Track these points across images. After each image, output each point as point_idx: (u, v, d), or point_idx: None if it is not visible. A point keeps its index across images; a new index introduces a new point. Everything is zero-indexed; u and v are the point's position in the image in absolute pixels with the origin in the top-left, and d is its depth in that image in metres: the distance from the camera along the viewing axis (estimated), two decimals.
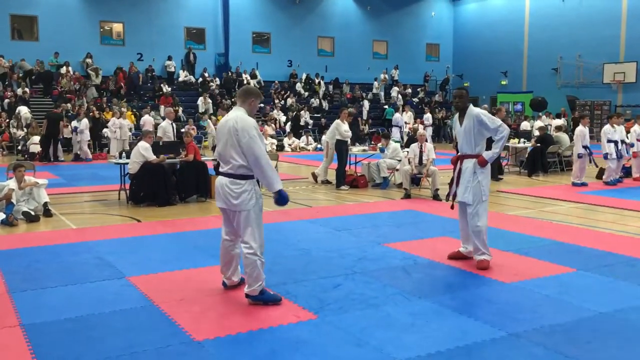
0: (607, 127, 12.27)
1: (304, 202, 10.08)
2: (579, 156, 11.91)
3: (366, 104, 27.78)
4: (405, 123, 23.39)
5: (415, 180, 11.27)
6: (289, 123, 24.67)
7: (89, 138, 18.39)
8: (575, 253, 6.32)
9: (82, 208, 9.64)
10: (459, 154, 5.99)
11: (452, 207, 5.99)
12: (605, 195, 10.55)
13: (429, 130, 20.64)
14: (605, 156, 12.00)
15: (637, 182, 12.51)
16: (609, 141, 12.02)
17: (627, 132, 13.51)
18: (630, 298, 4.80)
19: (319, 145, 20.71)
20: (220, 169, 4.75)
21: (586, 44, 26.19)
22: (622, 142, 12.40)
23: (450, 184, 6.04)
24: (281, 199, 4.58)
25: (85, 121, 18.06)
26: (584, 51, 26.31)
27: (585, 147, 11.90)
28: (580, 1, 26.63)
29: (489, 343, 3.93)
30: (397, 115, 23.78)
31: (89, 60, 24.79)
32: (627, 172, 13.02)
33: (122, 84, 24.34)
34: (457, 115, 6.07)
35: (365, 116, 26.96)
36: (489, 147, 5.87)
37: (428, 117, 22.67)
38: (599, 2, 25.91)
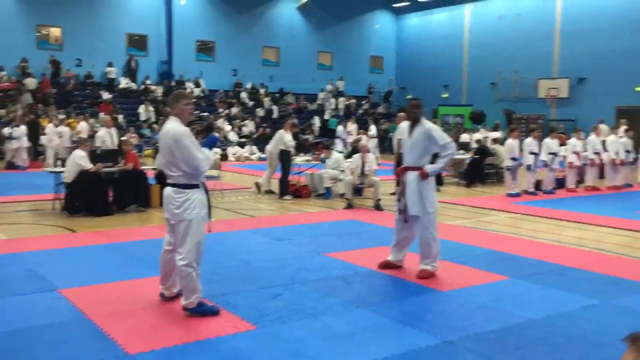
0: (528, 139, 12.75)
1: (247, 212, 10.01)
2: (508, 168, 12.36)
3: (317, 121, 27.74)
4: (350, 134, 23.60)
5: (358, 191, 11.39)
6: (233, 132, 24.49)
7: (27, 145, 17.61)
8: (509, 261, 6.52)
9: (14, 218, 9.25)
10: (403, 165, 6.04)
11: (406, 221, 5.95)
12: (539, 206, 10.95)
13: (374, 142, 20.88)
14: (528, 167, 12.49)
15: (571, 192, 13.05)
16: (531, 153, 12.51)
17: (562, 144, 14.09)
18: (559, 305, 4.99)
19: (262, 155, 20.65)
20: (167, 180, 4.70)
21: (522, 60, 27.18)
22: (556, 154, 12.94)
23: (401, 196, 5.98)
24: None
25: (23, 128, 17.32)
26: (520, 67, 27.29)
27: (514, 159, 12.34)
28: (516, 18, 27.65)
29: (424, 350, 4.00)
30: (340, 127, 23.99)
31: (24, 65, 23.90)
32: (560, 183, 13.56)
33: (48, 90, 23.39)
34: (404, 124, 6.07)
35: (316, 132, 27.00)
36: (433, 160, 5.95)
37: (373, 128, 22.92)
38: (534, 20, 26.98)
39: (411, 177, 5.85)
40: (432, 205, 5.85)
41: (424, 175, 5.81)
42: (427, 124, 5.88)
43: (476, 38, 29.47)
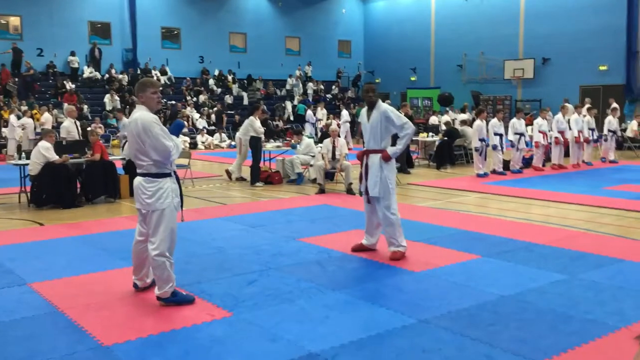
0: (493, 120, 12.95)
1: (219, 199, 9.95)
2: (476, 149, 12.56)
3: (289, 105, 27.56)
4: (319, 119, 23.58)
5: (329, 175, 11.42)
6: (201, 120, 24.25)
7: None
8: (479, 241, 6.63)
9: None
10: (364, 148, 6.11)
11: (368, 202, 6.06)
12: (507, 186, 11.13)
13: (347, 127, 20.85)
14: (494, 147, 12.68)
15: (538, 171, 13.30)
16: (495, 134, 12.71)
17: (528, 124, 14.32)
18: (528, 281, 5.10)
19: (232, 143, 20.51)
20: (137, 170, 4.62)
21: (488, 42, 27.45)
22: (522, 134, 13.17)
23: (360, 179, 6.16)
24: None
25: None
26: (486, 48, 27.57)
27: (482, 140, 12.54)
28: (481, 0, 27.88)
29: (399, 330, 4.05)
30: (309, 112, 23.94)
31: None
32: (527, 162, 13.81)
33: (9, 80, 22.73)
34: (364, 110, 6.17)
35: (288, 117, 26.86)
36: (394, 143, 6.04)
37: (345, 113, 22.91)
38: (500, 1, 27.22)
39: (373, 159, 5.93)
40: (393, 186, 5.95)
41: (387, 158, 5.89)
42: (383, 106, 5.97)
43: (443, 21, 29.62)
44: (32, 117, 18.41)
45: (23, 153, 10.23)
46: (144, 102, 4.58)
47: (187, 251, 6.08)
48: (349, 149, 12.12)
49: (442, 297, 4.71)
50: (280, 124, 25.38)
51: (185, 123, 19.39)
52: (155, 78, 25.09)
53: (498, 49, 27.02)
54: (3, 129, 18.63)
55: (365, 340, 3.88)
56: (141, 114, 4.51)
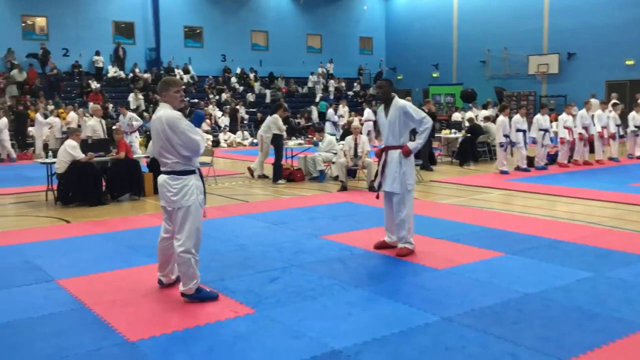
0: (516, 116, 12.80)
1: (241, 197, 10.01)
2: (501, 145, 12.44)
3: (314, 111, 27.38)
4: (341, 117, 23.51)
5: (351, 173, 11.41)
6: (225, 118, 24.40)
7: (8, 138, 17.38)
8: (503, 238, 6.57)
9: (7, 210, 9.21)
10: (383, 145, 6.09)
11: (377, 197, 6.11)
12: (532, 182, 11.00)
13: (370, 125, 20.61)
14: (513, 144, 12.55)
15: (562, 168, 13.12)
16: (518, 130, 12.56)
17: (552, 121, 14.12)
18: (553, 279, 5.04)
19: (255, 140, 20.60)
20: (161, 168, 4.67)
21: (512, 37, 27.11)
22: (547, 130, 13.00)
23: (376, 175, 6.15)
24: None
25: (4, 120, 17.10)
26: (509, 44, 27.23)
27: (506, 136, 12.42)
28: None
29: (423, 328, 4.04)
30: (330, 110, 23.88)
31: (10, 56, 23.60)
32: (551, 159, 13.63)
33: (36, 80, 23.14)
34: (382, 107, 6.15)
35: (314, 118, 26.70)
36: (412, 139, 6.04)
37: (367, 112, 22.71)
38: None
39: (393, 155, 5.92)
40: (412, 184, 5.94)
41: (407, 153, 5.88)
42: (400, 101, 5.97)
43: (465, 16, 29.34)
44: (58, 116, 18.69)
45: (50, 152, 10.40)
46: (166, 100, 4.62)
47: (210, 248, 6.13)
48: (374, 147, 12.10)
49: (465, 295, 4.68)
50: (302, 121, 25.40)
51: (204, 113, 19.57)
52: (178, 77, 25.33)
53: (522, 44, 26.67)
54: (30, 128, 18.94)
55: (388, 338, 3.87)
56: (165, 112, 4.55)
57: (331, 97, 29.13)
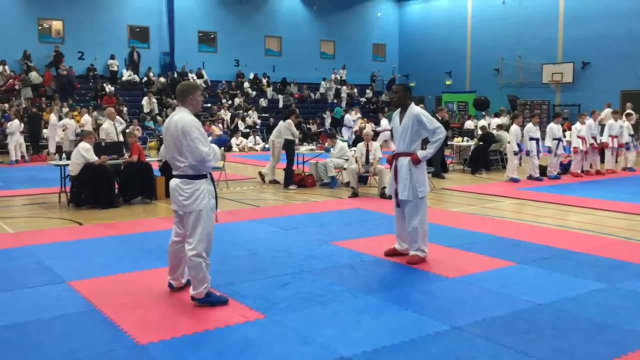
0: (529, 125, 12.74)
1: (252, 202, 10.03)
2: (515, 153, 12.39)
3: (328, 114, 27.31)
4: (354, 122, 23.48)
5: (363, 179, 11.40)
6: (235, 122, 24.49)
7: (21, 140, 17.49)
8: (515, 247, 6.53)
9: (20, 211, 9.30)
10: (395, 151, 6.06)
11: (398, 205, 6.05)
12: (544, 192, 10.93)
13: (387, 134, 20.41)
14: (527, 153, 12.49)
15: (576, 177, 13.02)
16: (531, 139, 12.49)
17: (565, 130, 14.02)
18: (565, 289, 5.00)
19: (266, 145, 20.67)
20: (173, 172, 4.69)
21: (526, 45, 27.03)
22: (560, 140, 12.92)
23: (391, 182, 6.13)
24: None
25: (16, 122, 17.24)
26: (523, 52, 27.15)
27: (518, 144, 12.39)
28: (519, 3, 27.47)
29: (433, 337, 4.02)
30: (347, 116, 23.86)
31: (27, 59, 23.87)
32: (564, 168, 13.54)
33: (51, 83, 23.35)
34: (397, 112, 6.11)
35: (327, 124, 26.70)
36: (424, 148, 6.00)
37: (384, 122, 22.52)
38: (538, 4, 26.78)
39: (403, 162, 5.89)
40: (423, 191, 5.87)
41: (416, 161, 5.83)
42: (415, 109, 5.91)
43: (479, 24, 29.30)
44: (72, 118, 18.85)
45: (64, 154, 10.49)
46: (191, 104, 4.64)
47: (220, 253, 6.14)
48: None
49: (476, 304, 4.65)
50: (314, 127, 25.44)
51: (228, 138, 19.63)
52: (191, 81, 25.45)
53: (536, 53, 26.58)
54: (44, 130, 19.11)
55: (398, 346, 3.85)
56: (181, 116, 4.56)
57: (343, 103, 29.13)
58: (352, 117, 23.51)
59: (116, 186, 9.72)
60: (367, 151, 10.70)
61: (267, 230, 7.54)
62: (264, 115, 26.29)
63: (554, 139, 12.86)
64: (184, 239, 4.71)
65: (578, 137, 13.23)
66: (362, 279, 5.40)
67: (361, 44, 32.84)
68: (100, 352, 3.78)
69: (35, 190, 11.24)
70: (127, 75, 25.97)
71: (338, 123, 25.61)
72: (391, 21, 33.81)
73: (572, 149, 13.42)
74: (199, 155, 4.48)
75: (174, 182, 4.65)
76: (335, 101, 29.14)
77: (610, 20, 24.06)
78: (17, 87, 22.47)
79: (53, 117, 18.03)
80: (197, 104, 4.69)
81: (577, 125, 13.48)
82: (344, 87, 30.36)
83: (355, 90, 30.96)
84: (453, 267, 5.70)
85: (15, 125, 17.05)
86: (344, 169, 11.82)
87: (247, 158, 18.92)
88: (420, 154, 5.86)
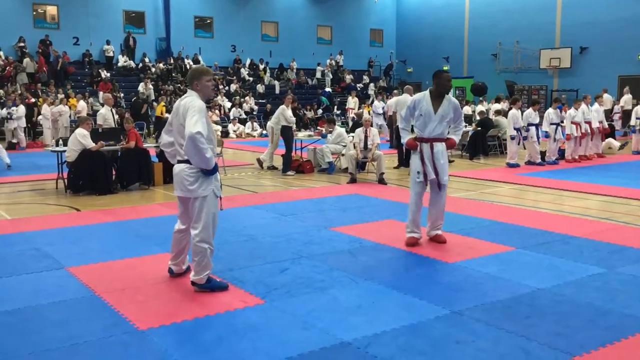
0: (529, 110, 12.70)
1: (250, 188, 10.00)
2: (512, 138, 12.37)
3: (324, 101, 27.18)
4: (351, 109, 23.44)
5: (361, 165, 11.37)
6: (233, 109, 24.38)
7: (24, 125, 17.61)
8: (514, 232, 6.53)
9: (18, 198, 9.25)
10: (423, 136, 5.94)
11: (419, 192, 6.03)
12: (542, 177, 10.93)
13: (380, 119, 20.37)
14: (525, 138, 12.47)
15: (574, 163, 13.01)
16: (530, 124, 12.46)
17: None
18: (565, 274, 5.00)
19: (264, 132, 20.60)
20: (178, 157, 4.61)
21: (523, 30, 26.92)
22: (558, 125, 12.90)
23: (424, 168, 5.92)
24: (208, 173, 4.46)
25: (22, 108, 17.25)
26: (521, 37, 27.04)
27: (517, 129, 12.34)
28: None
29: (433, 321, 4.02)
30: (376, 102, 23.68)
31: (22, 45, 23.68)
32: (563, 154, 13.52)
33: (44, 69, 23.19)
34: (426, 98, 5.95)
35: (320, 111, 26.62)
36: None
37: (378, 105, 22.39)
38: None
39: (439, 147, 5.98)
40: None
41: (454, 145, 6.14)
42: (452, 98, 6.06)
43: (477, 9, 29.14)
44: (66, 105, 18.78)
45: (60, 140, 10.43)
46: (199, 89, 4.55)
47: (219, 238, 6.09)
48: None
49: (476, 289, 4.65)
50: (311, 113, 25.35)
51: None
52: (188, 67, 25.33)
53: (534, 38, 26.49)
54: (40, 117, 19.03)
55: (398, 330, 3.85)
56: (191, 99, 4.45)
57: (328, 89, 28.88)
58: (348, 103, 23.43)
59: (114, 172, 9.68)
60: (366, 137, 10.66)
61: (265, 216, 7.52)
62: (261, 101, 26.17)
63: (552, 124, 12.83)
64: (189, 228, 4.66)
65: (572, 122, 13.18)
66: (362, 264, 5.39)
67: (358, 30, 32.66)
68: (100, 337, 3.76)
69: (32, 177, 11.19)
70: (122, 61, 25.78)
71: (328, 109, 25.55)
72: (388, 6, 33.60)
73: (565, 135, 13.34)
74: (188, 131, 4.21)
75: (178, 167, 4.58)
76: (327, 90, 28.92)
77: (608, 6, 23.96)
78: (11, 73, 22.30)
79: (45, 108, 17.94)
80: (204, 89, 4.56)
81: (572, 111, 13.40)
82: (349, 76, 29.99)
83: (351, 76, 30.77)
84: (453, 252, 5.70)
85: (21, 111, 17.09)
86: (342, 154, 11.79)
87: (245, 144, 18.86)
88: (456, 138, 6.12)
